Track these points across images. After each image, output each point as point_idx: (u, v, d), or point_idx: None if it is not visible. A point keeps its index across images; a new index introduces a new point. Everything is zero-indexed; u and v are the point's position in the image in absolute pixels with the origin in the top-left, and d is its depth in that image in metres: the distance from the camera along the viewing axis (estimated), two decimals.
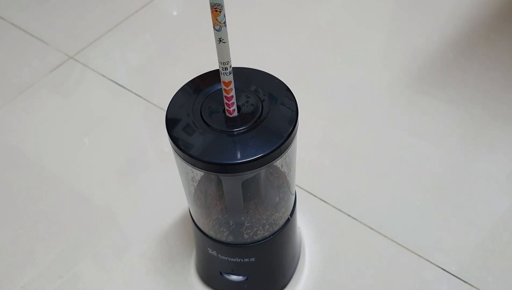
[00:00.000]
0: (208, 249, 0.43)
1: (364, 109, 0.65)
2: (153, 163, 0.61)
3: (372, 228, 0.53)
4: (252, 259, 0.43)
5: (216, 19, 0.28)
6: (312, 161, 0.59)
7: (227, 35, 0.30)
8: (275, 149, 0.33)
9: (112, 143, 0.63)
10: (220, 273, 0.45)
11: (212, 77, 0.38)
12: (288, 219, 0.43)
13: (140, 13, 0.82)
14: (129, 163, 0.61)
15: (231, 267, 0.44)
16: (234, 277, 0.45)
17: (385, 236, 0.52)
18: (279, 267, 0.47)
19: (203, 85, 0.37)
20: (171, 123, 0.35)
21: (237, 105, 0.36)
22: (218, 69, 0.39)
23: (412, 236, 0.52)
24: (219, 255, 0.43)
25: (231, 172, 0.34)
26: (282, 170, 0.40)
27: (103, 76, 0.72)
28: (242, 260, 0.43)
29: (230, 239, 0.41)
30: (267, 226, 0.41)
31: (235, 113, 0.34)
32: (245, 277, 0.45)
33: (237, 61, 0.76)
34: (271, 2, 0.83)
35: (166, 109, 0.36)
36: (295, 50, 0.74)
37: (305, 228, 0.53)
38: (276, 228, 0.42)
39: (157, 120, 0.65)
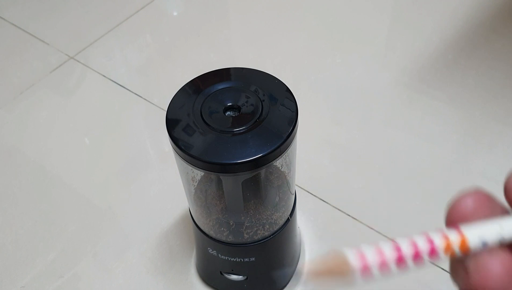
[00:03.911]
0: (208, 248, 0.43)
1: (364, 109, 0.65)
2: (153, 163, 0.61)
3: (372, 228, 0.53)
4: (252, 259, 0.43)
5: None
6: (312, 161, 0.59)
7: None
8: (275, 149, 0.33)
9: (113, 143, 0.63)
10: (220, 272, 0.46)
11: (212, 77, 0.38)
12: (288, 219, 0.43)
13: (140, 13, 0.82)
14: (129, 163, 0.61)
15: (231, 266, 0.44)
16: (234, 277, 0.45)
17: (385, 236, 0.52)
18: (279, 267, 0.47)
19: (203, 86, 0.37)
20: (171, 123, 0.35)
21: (237, 105, 0.36)
22: (218, 70, 0.39)
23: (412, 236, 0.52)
24: (219, 255, 0.43)
25: (231, 172, 0.34)
26: (282, 170, 0.41)
27: (104, 76, 0.72)
28: (242, 260, 0.43)
29: (230, 238, 0.41)
30: (267, 226, 0.41)
31: None
32: (245, 277, 0.45)
33: (237, 61, 0.76)
34: (271, 2, 0.83)
35: (166, 109, 0.36)
36: (295, 50, 0.75)
37: (305, 228, 0.53)
38: (276, 228, 0.42)
39: (157, 120, 0.66)
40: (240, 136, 0.34)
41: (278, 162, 0.38)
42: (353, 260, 0.18)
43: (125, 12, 0.82)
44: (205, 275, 0.49)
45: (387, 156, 0.60)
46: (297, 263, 0.50)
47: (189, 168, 0.35)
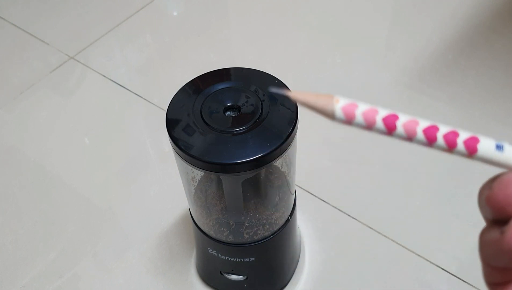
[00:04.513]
0: (208, 248, 0.43)
1: None
2: (153, 163, 0.61)
3: (372, 228, 0.53)
4: (252, 259, 0.43)
5: None
6: (312, 161, 0.59)
7: None
8: (275, 149, 0.33)
9: (112, 143, 0.63)
10: (220, 272, 0.45)
11: (212, 77, 0.38)
12: (288, 219, 0.43)
13: (140, 13, 0.82)
14: (129, 163, 0.61)
15: (231, 266, 0.44)
16: (234, 277, 0.45)
17: (385, 236, 0.52)
18: (279, 267, 0.47)
19: (203, 86, 0.37)
20: (171, 123, 0.35)
21: (237, 105, 0.36)
22: (218, 70, 0.39)
23: (412, 236, 0.52)
24: (219, 255, 0.43)
25: (231, 172, 0.34)
26: (282, 170, 0.41)
27: (104, 76, 0.72)
28: (242, 260, 0.43)
29: (230, 238, 0.41)
30: (267, 226, 0.41)
31: None
32: (245, 277, 0.45)
33: (237, 61, 0.76)
34: (271, 2, 0.83)
35: (166, 109, 0.36)
36: (295, 50, 0.75)
37: (305, 228, 0.53)
38: (276, 228, 0.42)
39: (157, 120, 0.66)
40: (240, 136, 0.34)
41: (278, 162, 0.38)
42: (340, 110, 0.18)
43: (125, 12, 0.82)
44: (205, 275, 0.49)
45: (387, 156, 0.60)
46: (297, 263, 0.50)
47: (189, 168, 0.35)
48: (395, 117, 0.18)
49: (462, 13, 0.77)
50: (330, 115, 0.18)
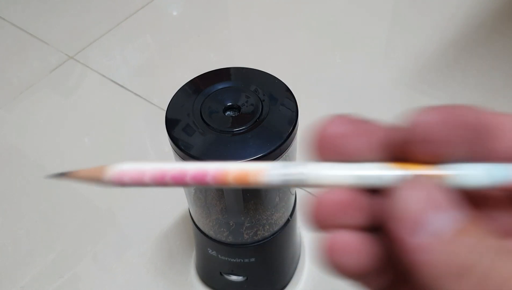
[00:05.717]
0: (208, 249, 0.43)
1: (364, 109, 0.65)
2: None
3: None
4: (252, 259, 0.43)
5: None
6: None
7: None
8: (275, 149, 0.33)
9: (112, 143, 0.63)
10: (220, 273, 0.45)
11: (212, 77, 0.38)
12: (288, 219, 0.43)
13: (140, 13, 0.82)
14: None
15: (231, 267, 0.44)
16: (234, 277, 0.45)
17: None
18: (279, 267, 0.47)
19: (203, 85, 0.37)
20: (171, 123, 0.35)
21: (237, 105, 0.36)
22: (218, 69, 0.39)
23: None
24: (219, 255, 0.43)
25: None
26: None
27: (103, 76, 0.72)
28: (242, 260, 0.43)
29: (230, 239, 0.41)
30: (267, 226, 0.41)
31: None
32: (245, 277, 0.45)
33: (237, 61, 0.76)
34: (271, 2, 0.83)
35: (166, 109, 0.36)
36: (295, 50, 0.74)
37: (305, 228, 0.53)
38: (276, 228, 0.42)
39: (157, 120, 0.65)
40: (240, 136, 0.34)
41: None
42: (111, 176, 0.18)
43: (125, 12, 0.82)
44: (205, 275, 0.49)
45: None
46: (297, 263, 0.50)
47: None
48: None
49: (462, 13, 0.77)
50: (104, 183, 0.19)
